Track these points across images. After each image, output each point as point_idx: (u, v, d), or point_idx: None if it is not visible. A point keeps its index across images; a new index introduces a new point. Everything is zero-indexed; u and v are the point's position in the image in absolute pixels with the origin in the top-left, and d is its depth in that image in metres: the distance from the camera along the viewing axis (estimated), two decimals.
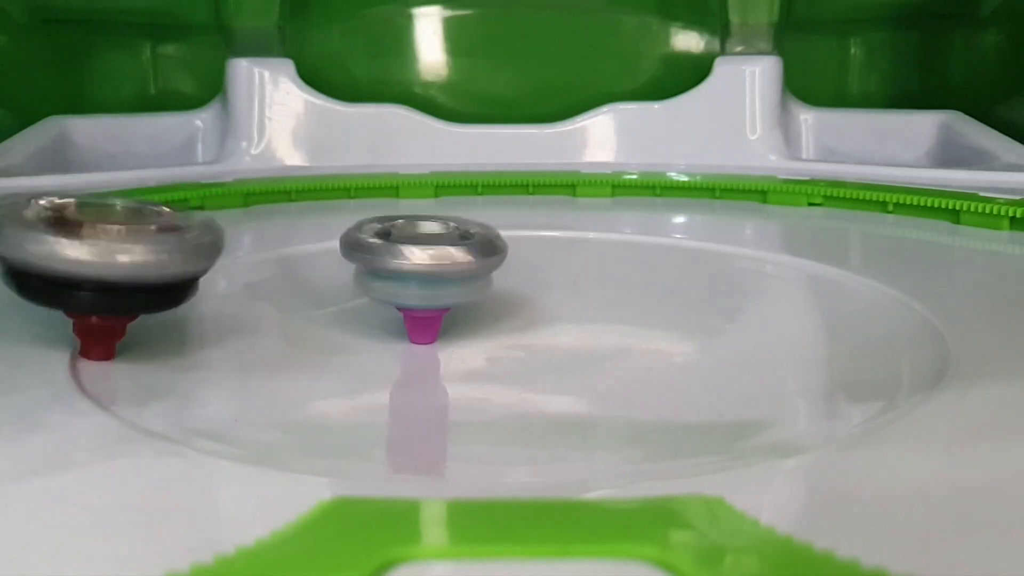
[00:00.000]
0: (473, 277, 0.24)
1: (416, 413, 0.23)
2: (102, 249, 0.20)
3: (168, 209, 0.24)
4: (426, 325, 0.25)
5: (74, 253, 0.20)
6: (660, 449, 0.20)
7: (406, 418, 0.23)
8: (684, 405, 0.23)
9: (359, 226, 0.25)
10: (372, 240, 0.24)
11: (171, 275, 0.22)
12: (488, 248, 0.24)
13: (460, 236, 0.25)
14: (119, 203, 0.24)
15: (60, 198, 0.23)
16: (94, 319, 0.22)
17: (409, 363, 0.25)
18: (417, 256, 0.23)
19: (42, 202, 0.22)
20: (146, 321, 0.28)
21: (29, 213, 0.22)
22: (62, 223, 0.22)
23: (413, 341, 0.26)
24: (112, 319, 0.23)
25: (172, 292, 0.23)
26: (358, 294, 0.25)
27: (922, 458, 0.17)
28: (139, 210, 0.24)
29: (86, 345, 0.23)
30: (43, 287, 0.21)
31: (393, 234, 0.25)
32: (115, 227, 0.21)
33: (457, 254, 0.24)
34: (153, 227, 0.22)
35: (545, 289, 0.31)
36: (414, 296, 0.24)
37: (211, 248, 0.23)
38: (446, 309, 0.25)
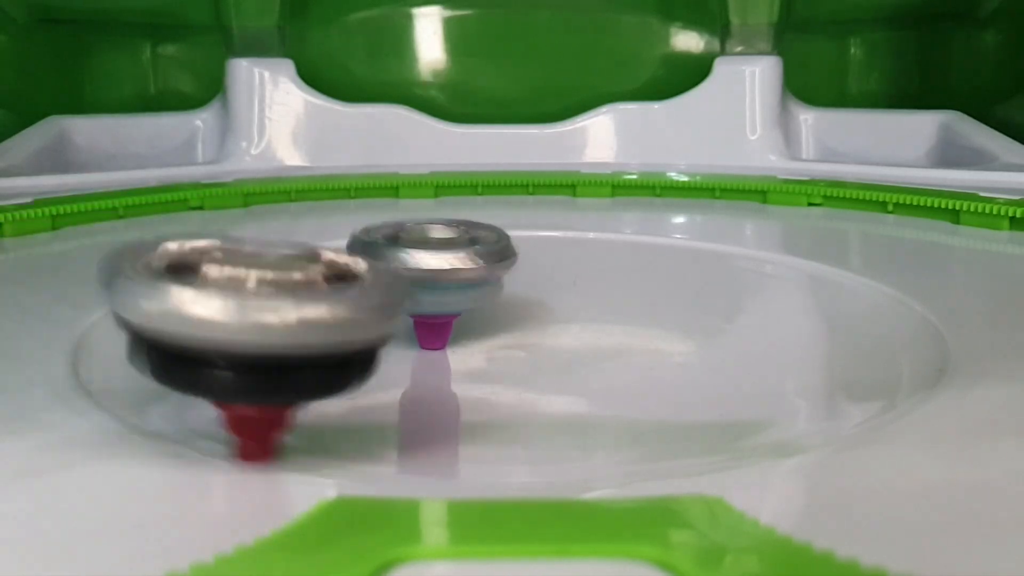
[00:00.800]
0: (484, 282, 0.24)
1: (416, 413, 0.23)
2: (252, 308, 0.14)
3: (332, 253, 0.17)
4: (436, 331, 0.25)
5: (207, 311, 0.14)
6: (660, 449, 0.20)
7: (405, 418, 0.23)
8: (684, 405, 0.23)
9: (366, 231, 0.25)
10: (380, 245, 0.23)
11: (354, 343, 0.16)
12: (498, 252, 0.24)
13: (470, 240, 0.25)
14: (274, 247, 0.17)
15: (197, 240, 0.17)
16: (244, 409, 0.16)
17: (408, 363, 0.25)
18: (427, 262, 0.23)
19: (173, 245, 0.17)
20: None
21: (155, 260, 0.16)
22: (195, 271, 0.16)
23: (423, 347, 0.25)
24: (270, 409, 0.16)
25: (352, 368, 0.16)
26: None
27: (922, 458, 0.17)
28: (297, 255, 0.17)
29: (242, 444, 0.17)
30: (167, 363, 0.15)
31: (401, 238, 0.24)
32: (270, 275, 0.15)
33: (467, 259, 0.23)
34: (320, 276, 0.16)
35: (545, 289, 0.31)
36: (424, 302, 0.23)
37: (401, 301, 0.17)
38: (456, 314, 0.25)
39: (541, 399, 0.23)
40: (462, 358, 0.26)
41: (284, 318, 0.14)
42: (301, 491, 0.15)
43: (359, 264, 0.17)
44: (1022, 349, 0.24)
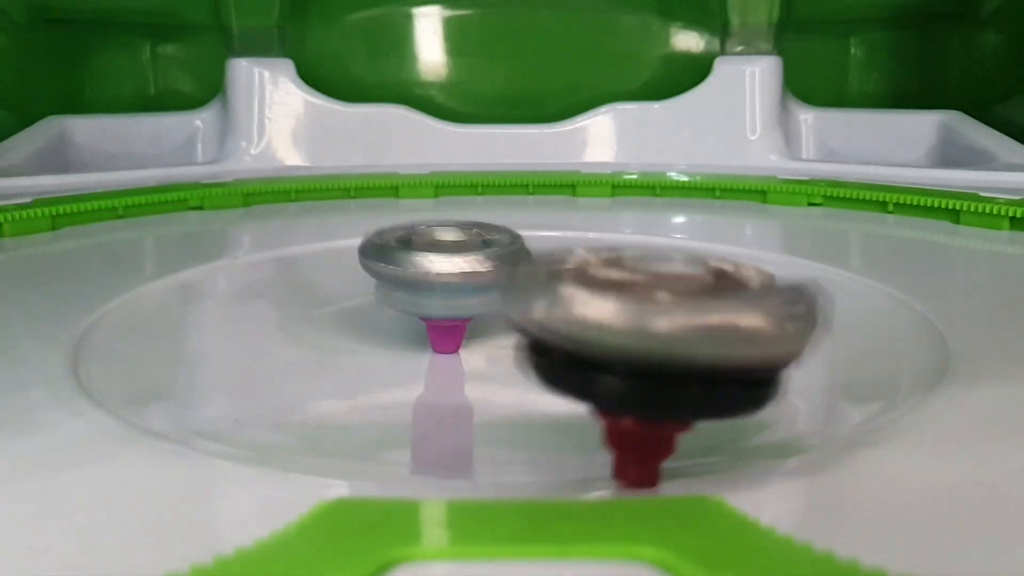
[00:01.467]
0: (497, 285, 0.23)
1: (415, 413, 0.23)
2: (650, 313, 0.13)
3: (725, 263, 0.16)
4: (450, 334, 0.25)
5: (605, 315, 0.13)
6: None
7: (405, 419, 0.23)
8: None
9: (378, 234, 0.24)
10: (393, 249, 0.23)
11: (764, 357, 0.14)
12: (512, 255, 0.24)
13: (482, 243, 0.24)
14: (663, 256, 0.16)
15: (599, 250, 0.16)
16: (633, 424, 0.15)
17: (408, 363, 0.25)
18: (440, 265, 0.23)
19: (577, 253, 0.16)
20: (144, 320, 0.28)
21: (563, 269, 0.15)
22: (594, 278, 0.15)
23: (437, 351, 0.25)
24: (661, 426, 0.15)
25: (754, 385, 0.15)
26: (352, 295, 0.25)
27: (922, 458, 0.17)
28: (689, 263, 0.16)
29: (621, 463, 0.16)
30: (559, 368, 0.15)
31: (413, 241, 0.24)
32: (669, 282, 0.15)
33: (481, 262, 0.23)
34: (716, 284, 0.16)
35: None
36: (437, 306, 0.23)
37: (817, 315, 0.15)
38: (469, 318, 0.25)
39: (541, 399, 0.23)
40: (463, 358, 0.26)
41: (685, 323, 0.13)
42: (301, 491, 0.15)
43: (754, 273, 0.16)
44: (1022, 349, 0.24)
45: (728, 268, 0.16)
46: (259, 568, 0.12)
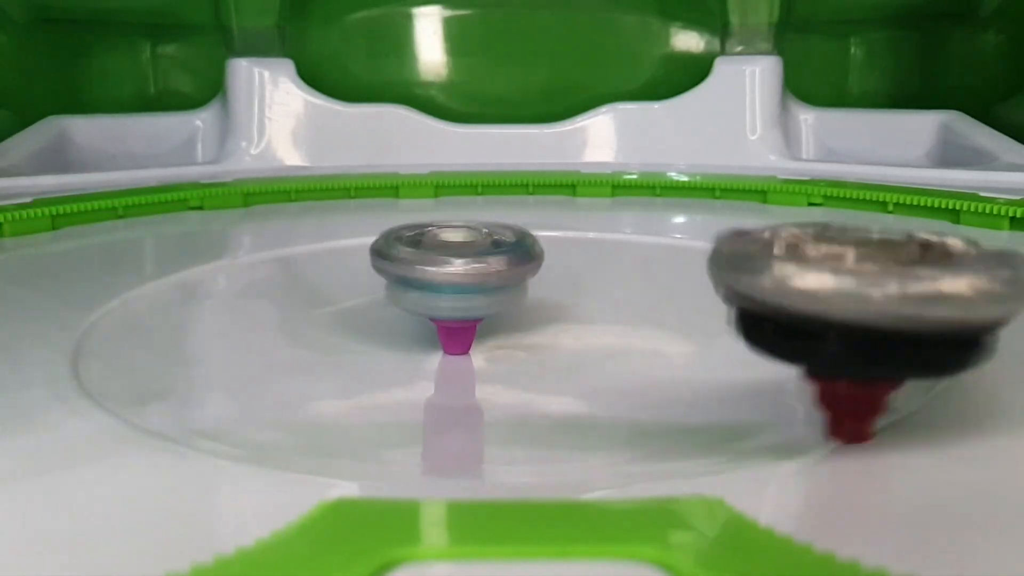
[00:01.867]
0: (508, 286, 0.24)
1: (415, 414, 0.23)
2: (862, 280, 0.14)
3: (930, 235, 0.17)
4: (460, 335, 0.25)
5: (819, 284, 0.15)
6: (660, 449, 0.20)
7: (405, 419, 0.23)
8: (684, 405, 0.22)
9: (388, 235, 0.24)
10: (403, 250, 0.23)
11: (982, 321, 0.15)
12: (523, 255, 0.23)
13: (493, 243, 0.24)
14: (866, 231, 0.17)
15: (805, 226, 0.17)
16: (842, 387, 0.17)
17: (408, 363, 0.25)
18: (450, 266, 0.22)
19: (789, 231, 0.17)
20: (144, 321, 0.28)
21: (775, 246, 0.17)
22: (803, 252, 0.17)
23: (447, 352, 0.25)
24: (873, 386, 0.17)
25: (972, 347, 0.16)
26: (352, 295, 0.25)
27: (922, 458, 0.17)
28: (894, 237, 0.17)
29: (836, 422, 0.17)
30: (776, 335, 0.16)
31: (423, 242, 0.24)
32: (876, 252, 0.16)
33: (491, 263, 0.23)
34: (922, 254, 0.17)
35: (545, 290, 0.31)
36: (448, 307, 0.23)
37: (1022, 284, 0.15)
38: (479, 319, 0.25)
39: (541, 399, 0.23)
40: (463, 358, 0.26)
41: (899, 292, 0.14)
42: (301, 491, 0.15)
43: (959, 243, 0.17)
44: (1022, 349, 0.24)
45: (933, 239, 0.17)
46: (260, 568, 0.12)
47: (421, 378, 0.25)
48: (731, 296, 0.17)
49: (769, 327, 0.16)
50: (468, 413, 0.23)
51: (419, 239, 0.24)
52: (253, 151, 0.55)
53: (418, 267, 0.23)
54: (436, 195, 0.50)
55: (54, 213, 0.41)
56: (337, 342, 0.27)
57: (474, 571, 0.12)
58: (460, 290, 0.23)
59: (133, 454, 0.17)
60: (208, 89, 0.60)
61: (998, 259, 0.16)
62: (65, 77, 0.60)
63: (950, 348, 0.16)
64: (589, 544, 0.13)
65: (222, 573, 0.12)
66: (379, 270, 0.24)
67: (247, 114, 0.56)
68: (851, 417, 0.17)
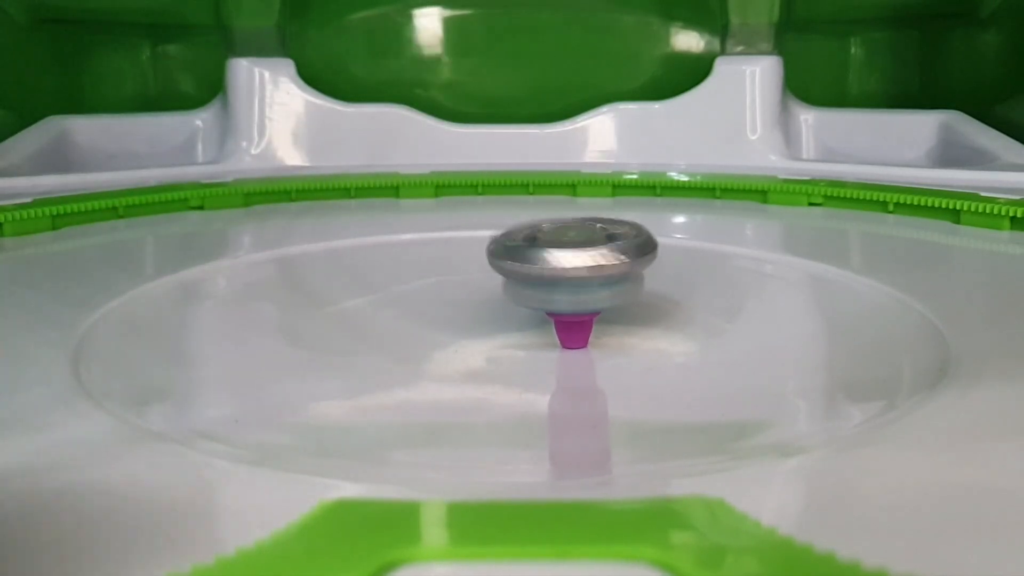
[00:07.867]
0: (625, 279, 0.24)
1: (415, 413, 0.23)
2: None
3: None
4: (577, 329, 0.25)
5: None
6: (660, 449, 0.20)
7: (405, 418, 0.23)
8: (684, 405, 0.23)
9: (506, 234, 0.25)
10: (520, 248, 0.24)
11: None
12: (638, 248, 0.24)
13: (607, 237, 0.25)
14: None
15: None
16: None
17: (410, 363, 0.25)
18: (567, 261, 0.23)
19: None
20: (144, 320, 0.28)
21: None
22: None
23: (565, 346, 0.25)
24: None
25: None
26: (350, 296, 0.25)
27: (922, 458, 0.17)
28: None
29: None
30: None
31: (539, 239, 0.25)
32: None
33: (607, 256, 0.23)
34: None
35: None
36: (565, 302, 0.24)
37: None
38: (597, 312, 0.25)
39: (541, 399, 0.23)
40: (463, 358, 0.26)
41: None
42: (301, 492, 0.15)
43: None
44: (1022, 349, 0.24)
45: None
46: (260, 568, 0.12)
47: (421, 378, 0.25)
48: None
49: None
50: (466, 412, 0.23)
51: (534, 236, 0.25)
52: (253, 151, 0.55)
53: (536, 263, 0.23)
54: (436, 195, 0.50)
55: (54, 213, 0.41)
56: (337, 342, 0.27)
57: (474, 572, 0.12)
58: (578, 284, 0.23)
59: (133, 454, 0.17)
60: (208, 89, 0.60)
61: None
62: (65, 77, 0.60)
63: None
64: (589, 544, 0.13)
65: (222, 573, 0.12)
66: (498, 269, 0.24)
67: (247, 114, 0.56)
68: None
